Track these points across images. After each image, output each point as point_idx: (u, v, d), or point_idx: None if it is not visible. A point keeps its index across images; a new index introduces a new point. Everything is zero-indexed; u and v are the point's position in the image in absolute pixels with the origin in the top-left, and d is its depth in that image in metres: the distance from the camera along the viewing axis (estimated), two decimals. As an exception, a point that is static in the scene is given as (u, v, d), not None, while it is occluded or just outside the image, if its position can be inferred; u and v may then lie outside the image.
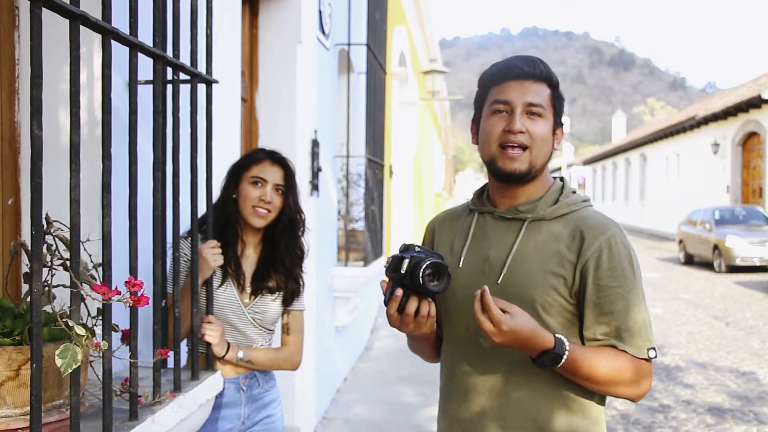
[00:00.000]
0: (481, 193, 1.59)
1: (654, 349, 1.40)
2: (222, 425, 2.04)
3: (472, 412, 1.48)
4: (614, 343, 1.38)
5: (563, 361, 1.32)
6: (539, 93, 1.43)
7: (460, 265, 1.51)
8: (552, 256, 1.42)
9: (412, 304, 1.38)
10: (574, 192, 1.53)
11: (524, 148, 1.42)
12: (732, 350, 7.00)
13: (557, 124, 1.49)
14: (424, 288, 1.35)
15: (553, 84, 1.47)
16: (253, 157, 2.13)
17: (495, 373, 1.46)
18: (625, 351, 1.38)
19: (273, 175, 2.09)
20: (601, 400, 1.48)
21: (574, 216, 1.47)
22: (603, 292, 1.39)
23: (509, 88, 1.44)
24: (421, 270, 1.34)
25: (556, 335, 1.34)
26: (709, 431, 4.60)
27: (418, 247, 1.43)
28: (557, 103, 1.48)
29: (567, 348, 1.33)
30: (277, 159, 2.13)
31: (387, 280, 1.44)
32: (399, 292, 1.37)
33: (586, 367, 1.35)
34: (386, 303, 1.42)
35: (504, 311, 1.29)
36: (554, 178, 1.56)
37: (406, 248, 1.43)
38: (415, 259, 1.37)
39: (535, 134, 1.42)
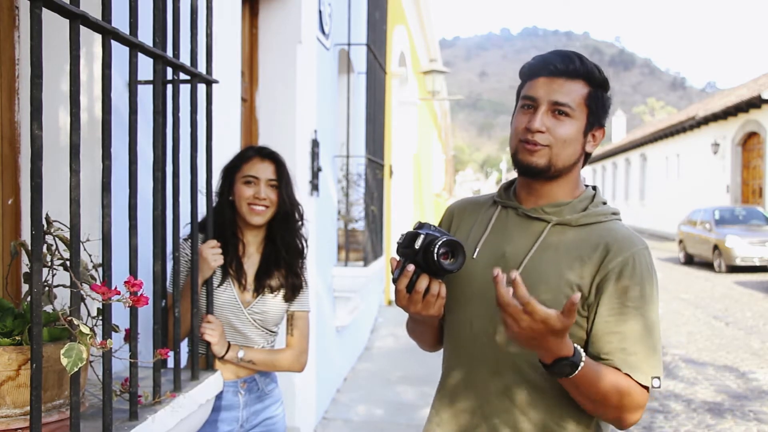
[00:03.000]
0: (508, 187, 1.54)
1: (659, 378, 1.32)
2: (220, 427, 2.04)
3: (467, 410, 1.45)
4: (619, 366, 1.31)
5: (578, 371, 1.24)
6: (570, 92, 1.38)
7: (475, 256, 1.45)
8: (571, 263, 1.36)
9: (423, 282, 1.32)
10: (605, 203, 1.48)
11: (545, 146, 1.38)
12: (732, 350, 7.00)
13: (593, 125, 1.42)
14: (438, 266, 1.28)
15: (593, 82, 1.40)
16: (242, 156, 2.13)
17: (496, 371, 1.41)
18: (628, 376, 1.30)
19: (264, 171, 2.09)
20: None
21: (600, 227, 1.41)
22: (617, 309, 1.32)
23: (539, 84, 1.40)
24: (436, 247, 1.28)
25: (574, 344, 1.26)
26: (709, 431, 4.60)
27: (434, 226, 1.38)
28: (593, 103, 1.40)
29: (583, 359, 1.25)
30: (266, 154, 2.13)
31: (397, 257, 1.39)
32: (411, 267, 1.31)
33: (596, 383, 1.27)
34: (395, 280, 1.36)
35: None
36: (586, 185, 1.50)
37: (421, 225, 1.37)
38: (430, 236, 1.31)
39: (557, 134, 1.37)
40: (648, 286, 1.35)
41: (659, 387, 1.33)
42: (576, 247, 1.38)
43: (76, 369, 1.14)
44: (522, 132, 1.40)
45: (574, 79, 1.39)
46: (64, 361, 1.13)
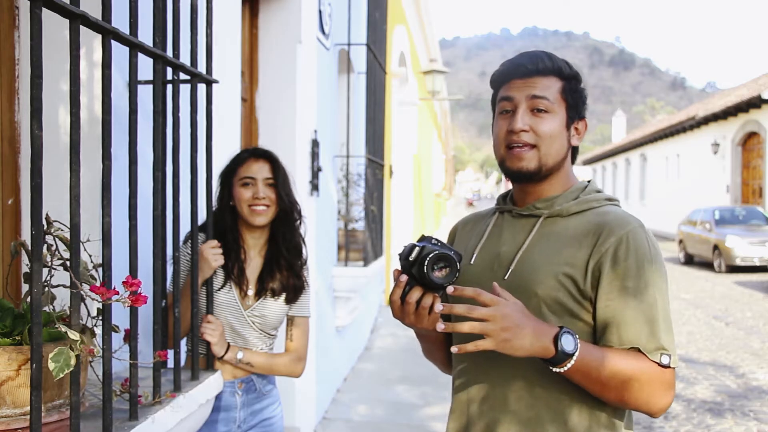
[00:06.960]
0: (507, 194, 1.56)
1: (669, 355, 1.27)
2: (218, 428, 2.04)
3: (483, 414, 1.44)
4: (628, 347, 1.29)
5: (577, 354, 1.23)
6: (547, 87, 1.39)
7: (472, 262, 1.48)
8: (563, 252, 1.36)
9: (415, 294, 1.30)
10: (599, 191, 1.47)
11: (532, 146, 1.38)
12: (732, 350, 7.00)
13: (573, 117, 1.43)
14: (429, 278, 1.28)
15: (564, 76, 1.41)
16: (237, 159, 2.13)
17: (504, 374, 1.41)
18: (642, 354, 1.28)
19: (260, 171, 2.09)
20: (620, 415, 1.40)
21: (593, 212, 1.41)
22: (616, 293, 1.30)
23: (514, 86, 1.41)
24: (427, 260, 1.28)
25: (562, 328, 1.25)
26: (709, 431, 4.60)
27: (436, 239, 1.38)
28: (570, 96, 1.41)
29: (577, 342, 1.24)
30: (260, 154, 2.13)
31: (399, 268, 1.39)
32: (403, 278, 1.31)
33: (600, 365, 1.25)
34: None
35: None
36: (581, 181, 1.50)
37: (422, 238, 1.37)
38: (427, 249, 1.31)
39: (542, 131, 1.37)
40: (647, 264, 1.32)
41: (668, 364, 1.28)
42: (568, 236, 1.38)
43: (62, 374, 1.14)
44: (505, 136, 1.41)
45: (547, 75, 1.41)
46: (51, 365, 1.13)
